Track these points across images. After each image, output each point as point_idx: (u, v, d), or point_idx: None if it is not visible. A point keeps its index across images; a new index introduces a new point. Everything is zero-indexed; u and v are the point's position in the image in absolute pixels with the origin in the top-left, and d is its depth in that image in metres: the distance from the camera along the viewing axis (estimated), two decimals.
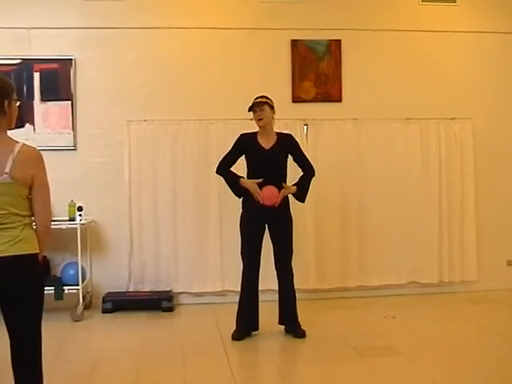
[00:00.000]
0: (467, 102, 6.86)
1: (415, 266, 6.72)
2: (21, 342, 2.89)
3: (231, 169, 5.23)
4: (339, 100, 6.71)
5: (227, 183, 5.24)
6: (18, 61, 6.30)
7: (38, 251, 2.93)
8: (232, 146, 5.27)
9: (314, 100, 6.67)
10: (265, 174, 5.03)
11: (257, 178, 5.05)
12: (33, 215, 2.95)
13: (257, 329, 5.21)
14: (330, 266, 6.58)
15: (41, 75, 6.32)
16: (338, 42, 6.69)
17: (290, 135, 5.38)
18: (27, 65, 6.30)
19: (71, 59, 6.36)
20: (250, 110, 5.18)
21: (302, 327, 5.17)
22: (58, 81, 6.36)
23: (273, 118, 5.22)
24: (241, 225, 5.22)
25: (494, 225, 6.89)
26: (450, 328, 5.44)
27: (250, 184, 5.05)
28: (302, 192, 5.24)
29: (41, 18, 6.31)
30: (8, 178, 2.80)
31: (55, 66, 6.35)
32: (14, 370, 2.91)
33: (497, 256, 6.88)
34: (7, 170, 2.79)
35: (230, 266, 6.17)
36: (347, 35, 6.69)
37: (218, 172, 5.27)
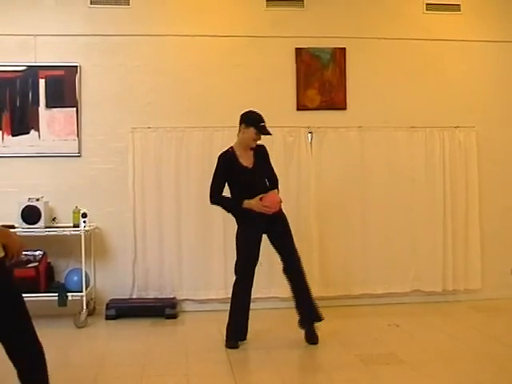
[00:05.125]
0: (471, 111, 6.86)
1: (419, 275, 6.70)
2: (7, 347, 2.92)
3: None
4: (344, 108, 6.72)
5: (228, 210, 5.20)
6: (24, 67, 6.32)
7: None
8: (215, 170, 5.15)
9: (319, 108, 6.68)
10: (251, 192, 5.03)
11: (244, 196, 5.04)
12: None
13: (244, 339, 5.17)
14: (334, 273, 6.57)
15: (46, 82, 6.34)
16: (343, 50, 6.70)
17: (264, 146, 5.28)
18: (33, 71, 6.32)
19: (76, 66, 6.38)
20: (258, 128, 5.05)
21: (317, 332, 5.16)
22: (63, 87, 6.39)
23: None
24: (237, 240, 5.16)
25: (498, 233, 6.87)
26: (453, 336, 5.42)
27: (255, 203, 5.01)
28: None
29: (46, 25, 6.35)
30: None
31: (61, 72, 6.37)
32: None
33: (501, 264, 6.86)
34: None
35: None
36: (352, 43, 6.70)
37: (213, 202, 5.15)
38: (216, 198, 5.12)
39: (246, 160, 5.15)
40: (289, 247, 5.17)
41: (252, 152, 5.18)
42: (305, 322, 5.20)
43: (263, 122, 5.10)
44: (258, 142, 5.22)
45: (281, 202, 5.11)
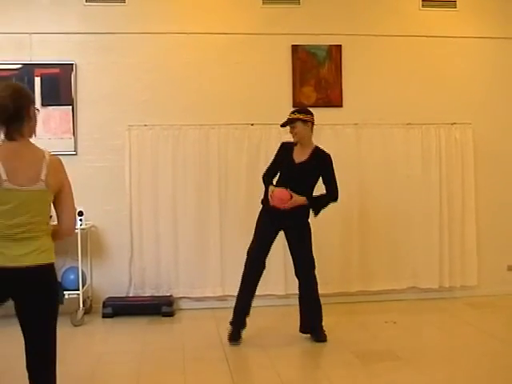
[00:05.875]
0: (468, 107, 6.86)
1: (416, 272, 6.71)
2: (37, 348, 2.87)
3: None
4: (340, 105, 6.72)
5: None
6: (19, 65, 6.30)
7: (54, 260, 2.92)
8: (274, 154, 5.33)
9: (315, 105, 6.64)
10: (289, 186, 5.04)
11: (282, 186, 5.09)
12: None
13: (244, 327, 5.19)
14: (331, 271, 6.55)
15: (42, 80, 6.33)
16: (339, 47, 6.70)
17: (328, 156, 5.22)
18: (28, 69, 6.30)
19: (72, 64, 6.37)
20: (282, 125, 5.24)
21: (325, 332, 5.17)
22: (58, 86, 6.37)
23: (311, 131, 5.23)
24: (257, 221, 5.24)
25: (495, 230, 6.88)
26: (450, 333, 5.44)
27: (269, 190, 5.10)
28: (316, 204, 5.19)
29: (42, 23, 6.33)
30: (44, 186, 2.80)
31: (56, 70, 6.36)
32: (29, 373, 2.89)
33: (497, 261, 6.87)
34: (43, 177, 2.79)
35: (231, 271, 6.16)
36: (348, 40, 6.70)
37: (263, 180, 5.30)
38: (265, 178, 5.28)
39: (299, 155, 5.19)
40: (301, 253, 5.18)
41: (309, 152, 5.19)
42: (305, 329, 5.22)
43: (291, 113, 5.24)
44: (326, 150, 5.27)
45: (284, 206, 4.98)
